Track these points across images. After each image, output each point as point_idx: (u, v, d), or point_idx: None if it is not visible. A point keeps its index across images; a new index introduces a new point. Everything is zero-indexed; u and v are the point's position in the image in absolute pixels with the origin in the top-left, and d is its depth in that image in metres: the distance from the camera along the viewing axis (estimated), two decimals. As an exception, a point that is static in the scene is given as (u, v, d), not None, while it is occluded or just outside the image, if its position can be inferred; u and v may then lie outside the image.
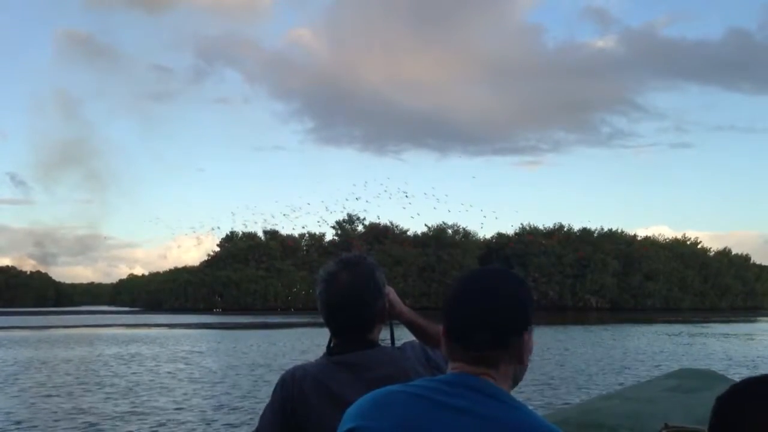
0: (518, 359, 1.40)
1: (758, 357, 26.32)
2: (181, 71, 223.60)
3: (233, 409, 15.21)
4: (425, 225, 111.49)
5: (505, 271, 1.46)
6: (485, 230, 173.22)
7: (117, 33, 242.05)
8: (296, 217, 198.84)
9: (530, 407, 1.37)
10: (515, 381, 1.42)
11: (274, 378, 2.27)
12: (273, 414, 1.94)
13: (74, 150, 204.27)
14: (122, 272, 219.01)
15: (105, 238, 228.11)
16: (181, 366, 24.47)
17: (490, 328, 1.36)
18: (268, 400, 1.99)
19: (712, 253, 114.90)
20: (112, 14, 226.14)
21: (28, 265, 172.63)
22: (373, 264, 2.06)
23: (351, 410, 1.42)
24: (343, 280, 1.99)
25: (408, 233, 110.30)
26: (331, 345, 2.01)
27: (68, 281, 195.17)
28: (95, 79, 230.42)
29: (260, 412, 2.00)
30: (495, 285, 1.40)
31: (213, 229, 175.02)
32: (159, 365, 24.81)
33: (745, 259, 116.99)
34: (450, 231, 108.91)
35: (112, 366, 24.49)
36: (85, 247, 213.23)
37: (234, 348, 32.44)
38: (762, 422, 1.31)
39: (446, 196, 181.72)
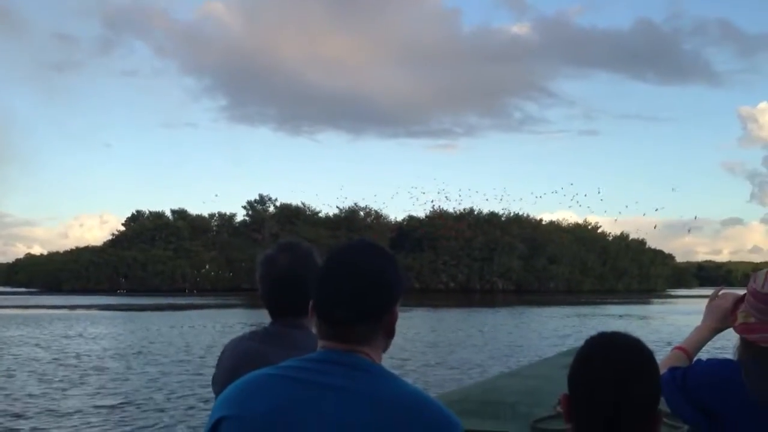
0: (388, 332, 1.39)
1: (651, 336, 27.81)
2: (86, 40, 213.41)
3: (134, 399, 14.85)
4: (337, 207, 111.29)
5: (374, 246, 1.42)
6: (397, 213, 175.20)
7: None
8: (214, 196, 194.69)
9: (410, 381, 1.39)
10: (384, 351, 1.41)
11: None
12: (217, 381, 2.08)
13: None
14: (19, 251, 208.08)
15: (1, 215, 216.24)
16: (73, 350, 23.66)
17: (356, 304, 1.33)
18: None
19: (611, 238, 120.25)
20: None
21: None
22: (310, 247, 2.16)
23: (220, 398, 1.40)
24: (283, 262, 2.08)
25: (320, 214, 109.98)
26: (269, 325, 2.12)
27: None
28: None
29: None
30: (361, 260, 1.37)
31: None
32: (49, 348, 23.90)
33: (641, 243, 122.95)
34: (362, 213, 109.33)
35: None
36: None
37: (134, 331, 31.55)
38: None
39: (359, 177, 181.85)
